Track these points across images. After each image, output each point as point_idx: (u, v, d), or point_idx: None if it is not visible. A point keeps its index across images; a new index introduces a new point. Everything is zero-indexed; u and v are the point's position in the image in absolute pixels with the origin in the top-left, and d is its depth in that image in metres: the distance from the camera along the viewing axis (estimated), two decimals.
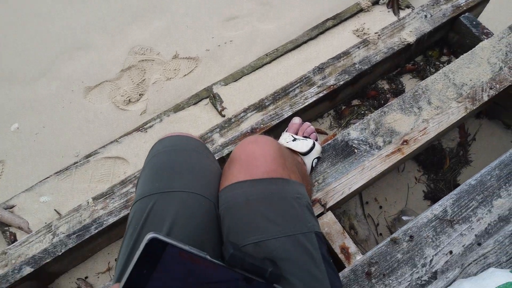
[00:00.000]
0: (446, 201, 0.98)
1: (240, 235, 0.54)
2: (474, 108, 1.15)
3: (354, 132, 1.15)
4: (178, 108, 1.53)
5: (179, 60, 1.73)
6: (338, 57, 1.46)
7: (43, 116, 1.65)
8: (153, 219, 0.54)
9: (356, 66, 1.36)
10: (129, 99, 1.64)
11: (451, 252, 0.92)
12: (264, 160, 0.58)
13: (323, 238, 0.61)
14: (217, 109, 1.51)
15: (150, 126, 1.49)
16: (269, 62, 1.63)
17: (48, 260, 1.13)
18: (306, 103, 1.28)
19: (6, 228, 1.36)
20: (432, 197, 1.32)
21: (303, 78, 1.41)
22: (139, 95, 1.65)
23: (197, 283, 0.46)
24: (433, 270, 0.91)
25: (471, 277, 0.76)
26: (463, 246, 0.93)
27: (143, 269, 0.43)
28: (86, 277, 1.31)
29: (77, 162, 1.44)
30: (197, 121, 1.51)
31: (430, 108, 1.16)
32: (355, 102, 1.50)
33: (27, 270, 1.12)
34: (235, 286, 0.48)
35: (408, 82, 1.55)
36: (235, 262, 0.47)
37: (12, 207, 1.39)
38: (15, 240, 1.34)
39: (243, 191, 0.56)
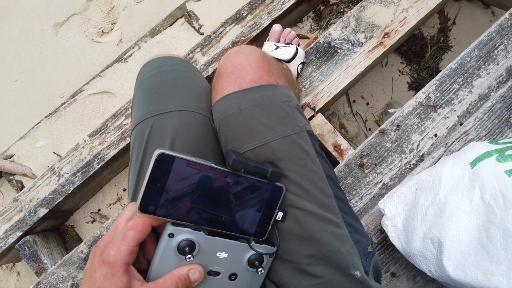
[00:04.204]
0: (429, 88, 1.02)
1: (238, 143, 0.58)
2: None
3: (335, 32, 1.14)
4: (154, 32, 1.48)
5: None
6: None
7: (19, 62, 1.59)
8: (154, 140, 0.57)
9: None
10: (102, 30, 1.58)
11: (436, 135, 0.98)
12: (250, 69, 0.60)
13: (315, 136, 0.65)
14: (194, 28, 1.47)
15: (130, 55, 1.45)
16: None
17: (59, 200, 1.18)
18: (284, 8, 1.25)
19: (11, 177, 1.40)
20: (416, 87, 1.36)
21: None
22: (112, 24, 1.58)
23: (205, 190, 0.51)
24: (420, 154, 0.97)
25: (454, 153, 0.82)
26: (446, 128, 0.98)
27: (156, 182, 0.47)
28: (99, 210, 1.39)
29: (64, 103, 1.43)
30: (176, 43, 1.48)
31: None
32: (333, 0, 1.46)
33: (42, 211, 1.18)
34: (240, 189, 0.53)
35: None
36: (238, 166, 0.51)
37: (12, 156, 1.41)
38: (22, 187, 1.39)
39: (235, 102, 0.58)
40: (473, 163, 0.70)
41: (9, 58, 1.60)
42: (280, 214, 0.55)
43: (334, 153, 1.05)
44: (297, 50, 1.07)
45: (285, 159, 0.56)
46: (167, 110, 0.59)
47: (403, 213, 0.77)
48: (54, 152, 1.41)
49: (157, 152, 0.46)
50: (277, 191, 0.55)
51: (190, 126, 0.59)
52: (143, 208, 0.47)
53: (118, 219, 0.49)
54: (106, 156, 1.20)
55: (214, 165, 0.50)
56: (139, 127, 0.59)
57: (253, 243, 0.53)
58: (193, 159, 0.49)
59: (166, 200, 0.48)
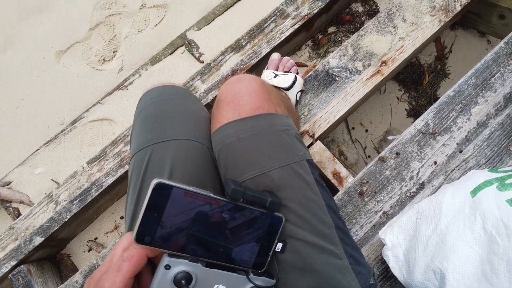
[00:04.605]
0: (427, 115, 1.02)
1: (237, 172, 0.57)
2: (448, 19, 1.15)
3: (333, 60, 1.15)
4: (155, 60, 1.50)
5: (147, 9, 1.67)
6: None
7: (20, 88, 1.61)
8: (153, 168, 0.57)
9: None
10: (104, 58, 1.60)
11: (435, 162, 0.98)
12: (249, 98, 0.60)
13: (314, 164, 0.64)
14: (194, 56, 1.49)
15: (130, 83, 1.47)
16: None
17: (56, 228, 1.16)
18: (283, 37, 1.27)
19: (8, 204, 1.38)
20: (415, 113, 1.37)
21: (277, 11, 1.38)
22: (113, 52, 1.61)
23: (203, 220, 0.50)
24: (420, 182, 0.96)
25: (454, 181, 0.82)
26: (446, 155, 0.98)
27: (153, 212, 0.47)
28: (96, 238, 1.37)
29: (64, 130, 1.43)
30: (176, 71, 1.50)
31: (406, 25, 1.17)
32: (332, 29, 1.49)
33: (38, 240, 1.16)
34: (239, 219, 0.52)
35: (382, 1, 1.53)
36: (236, 196, 0.51)
37: (9, 183, 1.40)
38: (19, 214, 1.37)
39: (234, 131, 0.58)
40: (474, 192, 0.69)
41: (11, 85, 1.61)
42: (280, 245, 0.54)
43: (334, 181, 1.04)
44: (295, 78, 1.08)
45: (284, 188, 0.56)
46: (166, 138, 0.59)
47: (404, 243, 0.75)
48: (52, 179, 1.40)
49: (155, 181, 0.46)
50: (277, 221, 0.54)
51: (189, 155, 0.58)
52: (139, 239, 0.47)
53: (113, 250, 0.48)
54: (104, 184, 1.19)
55: (212, 195, 0.50)
56: (138, 155, 0.59)
57: (251, 275, 0.52)
58: (191, 188, 0.48)
59: (163, 231, 0.48)
